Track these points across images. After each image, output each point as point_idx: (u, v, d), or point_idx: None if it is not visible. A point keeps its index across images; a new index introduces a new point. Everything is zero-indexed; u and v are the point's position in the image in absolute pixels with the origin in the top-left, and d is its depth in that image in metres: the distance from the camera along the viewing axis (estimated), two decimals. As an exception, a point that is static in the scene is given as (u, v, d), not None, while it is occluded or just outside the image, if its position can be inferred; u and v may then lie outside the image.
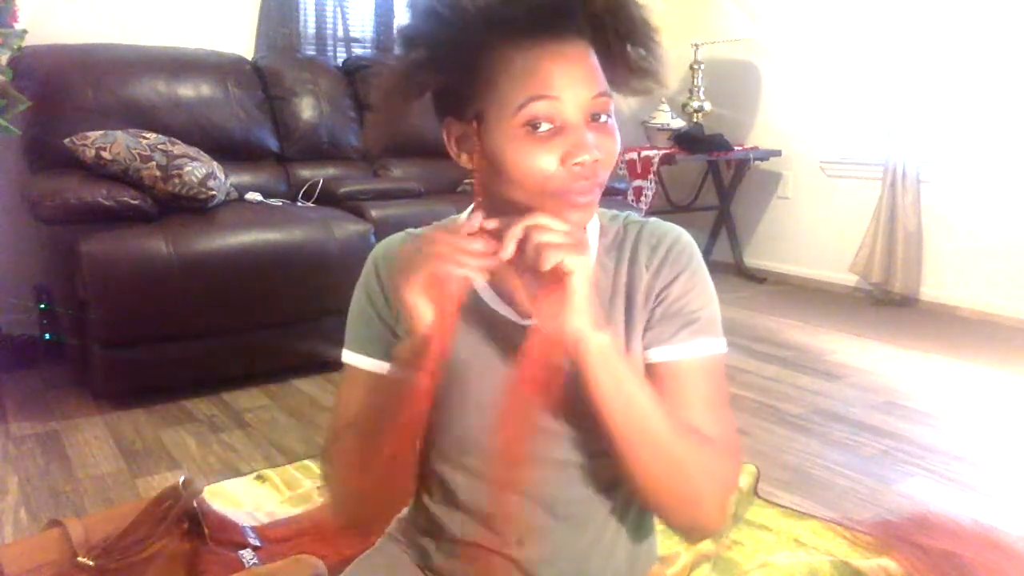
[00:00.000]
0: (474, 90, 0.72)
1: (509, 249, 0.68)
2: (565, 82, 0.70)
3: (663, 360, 0.80)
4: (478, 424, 0.81)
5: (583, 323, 0.69)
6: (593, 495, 0.84)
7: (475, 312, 0.81)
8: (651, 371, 0.80)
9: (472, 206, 0.87)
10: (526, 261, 0.68)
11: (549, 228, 0.67)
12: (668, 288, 0.80)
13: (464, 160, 0.77)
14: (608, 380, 0.71)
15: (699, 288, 0.82)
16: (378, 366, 0.84)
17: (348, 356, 0.86)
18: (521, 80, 0.70)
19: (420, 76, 0.74)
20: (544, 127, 0.70)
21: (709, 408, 0.79)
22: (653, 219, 0.87)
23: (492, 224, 0.71)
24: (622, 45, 0.74)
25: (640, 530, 0.90)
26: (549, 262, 0.67)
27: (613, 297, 0.82)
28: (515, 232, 0.68)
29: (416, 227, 0.90)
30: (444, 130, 0.78)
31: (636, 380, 0.73)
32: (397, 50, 0.77)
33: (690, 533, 0.87)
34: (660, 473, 0.74)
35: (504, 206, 0.75)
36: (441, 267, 0.68)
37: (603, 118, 0.73)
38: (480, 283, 0.80)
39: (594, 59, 0.73)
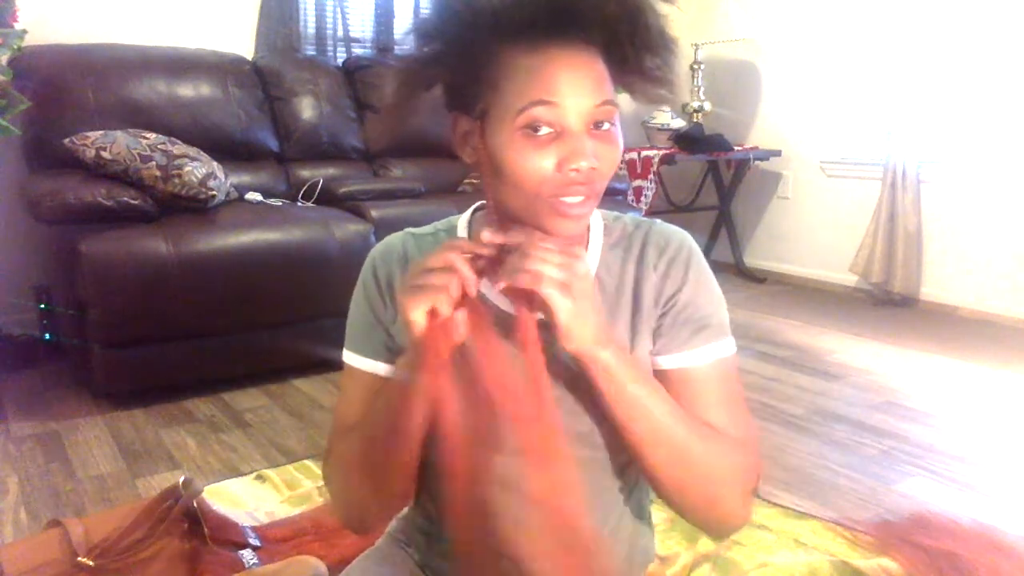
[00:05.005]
0: (480, 89, 0.73)
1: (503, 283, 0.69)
2: (568, 89, 0.70)
3: (677, 367, 0.80)
4: None
5: (583, 344, 0.69)
6: (590, 492, 0.83)
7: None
8: (665, 378, 0.80)
9: (474, 206, 0.87)
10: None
11: (544, 259, 0.67)
12: (677, 295, 0.81)
13: (467, 155, 0.78)
14: (615, 391, 0.72)
15: (708, 293, 0.82)
16: (376, 367, 0.84)
17: (348, 356, 0.86)
18: (524, 83, 0.70)
19: (431, 69, 0.75)
20: (544, 131, 0.70)
21: (725, 409, 0.80)
22: (658, 221, 0.87)
23: (499, 239, 0.71)
24: (638, 54, 0.73)
25: (637, 528, 0.90)
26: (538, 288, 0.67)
27: (619, 296, 0.82)
28: (514, 266, 0.68)
29: (416, 227, 0.90)
30: (451, 123, 0.78)
31: (645, 387, 0.74)
32: (413, 41, 0.77)
33: (716, 530, 0.88)
34: (679, 474, 0.76)
35: (503, 208, 0.75)
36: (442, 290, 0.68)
37: (606, 126, 0.73)
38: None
39: (601, 67, 0.72)
